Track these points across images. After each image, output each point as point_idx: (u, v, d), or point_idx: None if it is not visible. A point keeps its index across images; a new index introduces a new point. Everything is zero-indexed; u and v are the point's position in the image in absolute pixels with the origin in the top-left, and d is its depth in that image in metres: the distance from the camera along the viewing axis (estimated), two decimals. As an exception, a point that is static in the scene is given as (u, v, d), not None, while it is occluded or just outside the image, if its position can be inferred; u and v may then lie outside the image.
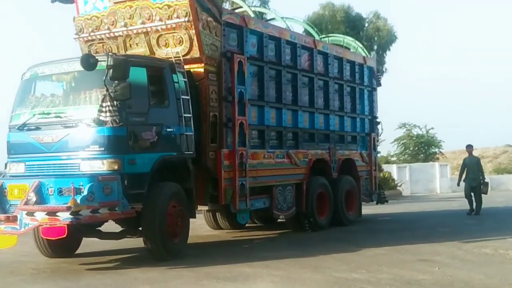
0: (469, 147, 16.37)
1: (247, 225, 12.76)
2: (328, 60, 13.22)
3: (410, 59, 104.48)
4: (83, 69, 8.22)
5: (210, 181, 10.08)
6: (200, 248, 10.47)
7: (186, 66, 9.61)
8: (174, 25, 9.65)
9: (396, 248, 9.85)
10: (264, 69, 11.26)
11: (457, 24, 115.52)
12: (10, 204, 8.33)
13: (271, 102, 11.41)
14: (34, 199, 7.88)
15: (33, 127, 8.72)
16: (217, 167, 9.98)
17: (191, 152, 9.37)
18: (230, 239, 11.75)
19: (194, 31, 9.59)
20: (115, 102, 8.15)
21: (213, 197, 10.15)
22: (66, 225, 7.57)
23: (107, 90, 8.13)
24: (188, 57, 9.74)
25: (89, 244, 10.04)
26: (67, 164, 8.39)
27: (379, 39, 30.31)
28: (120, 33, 10.13)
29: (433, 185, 31.47)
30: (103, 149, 8.21)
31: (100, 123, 8.19)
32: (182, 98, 9.18)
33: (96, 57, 8.32)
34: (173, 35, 9.76)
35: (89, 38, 10.43)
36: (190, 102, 9.34)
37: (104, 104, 8.15)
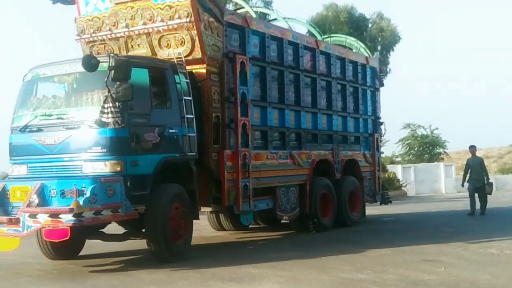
0: (472, 148, 16.30)
1: (250, 226, 12.72)
2: (331, 61, 13.18)
3: (414, 59, 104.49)
4: (84, 70, 8.18)
5: (213, 182, 10.04)
6: (205, 249, 10.47)
7: (188, 67, 9.58)
8: (175, 26, 9.62)
9: (401, 248, 9.81)
10: (267, 69, 11.22)
11: (461, 23, 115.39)
12: (13, 206, 8.27)
13: (273, 102, 11.37)
14: (36, 201, 7.83)
15: (35, 129, 8.69)
16: (220, 168, 9.94)
17: (194, 153, 9.33)
18: (234, 240, 11.71)
19: (196, 31, 9.55)
20: (117, 103, 8.11)
21: (216, 199, 10.12)
22: (69, 227, 7.52)
23: (109, 91, 8.10)
24: (190, 58, 9.70)
25: (93, 245, 10.00)
26: (69, 165, 8.36)
27: (382, 39, 30.33)
28: (122, 34, 10.10)
29: (438, 186, 31.47)
30: (105, 150, 8.17)
31: (102, 124, 8.15)
32: (184, 99, 9.14)
33: (98, 58, 8.29)
34: (175, 36, 9.72)
35: (91, 39, 10.39)
36: (192, 103, 9.30)
37: (106, 105, 8.12)
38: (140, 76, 8.53)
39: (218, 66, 10.07)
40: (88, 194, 7.62)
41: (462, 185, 16.35)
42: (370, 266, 8.24)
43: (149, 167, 8.51)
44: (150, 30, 9.83)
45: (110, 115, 8.11)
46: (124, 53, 10.03)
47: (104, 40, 10.32)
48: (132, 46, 10.15)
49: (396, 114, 61.03)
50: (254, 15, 14.96)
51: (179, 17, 9.55)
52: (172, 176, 8.99)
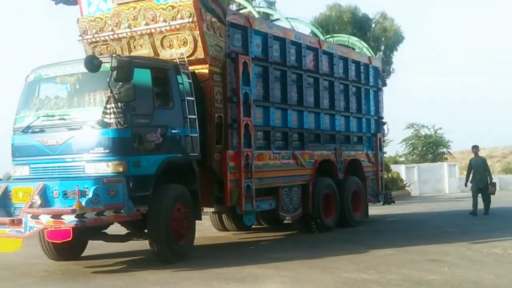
0: (475, 148, 16.25)
1: (253, 226, 12.69)
2: (333, 61, 13.14)
3: (418, 59, 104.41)
4: (87, 70, 8.17)
5: (216, 183, 10.02)
6: (208, 250, 10.47)
7: (190, 67, 9.57)
8: (178, 26, 9.60)
9: (405, 248, 9.80)
10: (269, 69, 11.20)
11: (464, 23, 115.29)
12: (15, 207, 8.26)
13: (276, 103, 11.34)
14: (39, 202, 7.82)
15: (37, 130, 8.68)
16: (222, 168, 9.92)
17: (196, 154, 9.31)
18: (237, 241, 11.70)
19: (198, 32, 9.53)
20: (119, 104, 8.10)
21: (219, 199, 10.10)
22: (71, 228, 7.50)
23: (111, 92, 8.09)
24: (192, 58, 9.68)
25: (97, 246, 10.00)
26: (71, 166, 8.35)
27: (386, 39, 30.29)
28: (124, 35, 10.08)
29: (442, 185, 31.42)
30: (107, 151, 8.16)
31: (105, 125, 8.14)
32: (187, 100, 9.12)
33: (100, 59, 8.27)
34: (177, 36, 9.70)
35: (93, 39, 10.38)
36: (194, 103, 9.28)
37: (108, 106, 8.11)
38: (143, 76, 8.52)
39: (221, 66, 10.05)
40: (90, 195, 7.60)
41: (466, 185, 16.30)
42: (373, 266, 8.23)
43: (152, 168, 8.50)
44: (153, 30, 9.81)
45: (112, 116, 8.10)
46: (126, 53, 10.01)
47: (106, 40, 10.30)
48: (134, 47, 10.13)
49: (400, 114, 61.03)
50: (256, 15, 14.91)
51: (182, 18, 9.53)
52: (175, 176, 8.98)
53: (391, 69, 30.37)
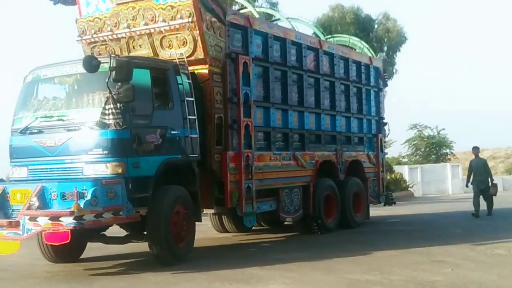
0: (475, 149, 16.14)
1: (253, 228, 12.63)
2: (334, 61, 13.08)
3: (421, 60, 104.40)
4: (85, 71, 8.09)
5: (216, 184, 9.95)
6: (210, 251, 10.42)
7: (190, 68, 9.49)
8: (177, 26, 9.52)
9: (408, 249, 9.76)
10: (270, 70, 11.13)
11: (468, 23, 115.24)
12: (13, 209, 8.19)
13: (276, 103, 11.27)
14: (36, 204, 7.74)
15: (35, 131, 8.60)
16: (222, 169, 9.85)
17: (196, 155, 9.23)
18: (238, 242, 11.64)
19: (198, 32, 9.46)
20: (118, 105, 8.02)
21: (219, 200, 10.02)
22: (69, 230, 7.43)
23: (110, 92, 8.01)
24: (192, 58, 9.60)
25: (98, 248, 9.92)
26: (70, 168, 8.27)
27: (389, 40, 30.25)
28: (123, 35, 10.00)
29: (445, 186, 31.42)
30: (106, 152, 8.08)
31: (104, 126, 8.06)
32: (187, 100, 9.04)
33: (99, 59, 8.20)
34: (177, 36, 9.63)
35: (92, 40, 10.30)
36: (194, 104, 9.20)
37: (107, 107, 8.03)
38: (142, 77, 8.44)
39: (221, 66, 9.98)
40: (89, 197, 7.54)
41: (466, 186, 16.23)
42: (377, 267, 8.20)
43: (151, 169, 8.42)
44: (152, 30, 9.74)
45: (111, 117, 8.02)
46: (125, 54, 9.93)
47: (105, 41, 10.22)
48: (133, 47, 10.06)
49: (403, 115, 61.04)
50: (257, 15, 14.83)
51: (181, 17, 9.46)
52: (174, 178, 8.90)
53: (394, 70, 30.34)
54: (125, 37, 10.03)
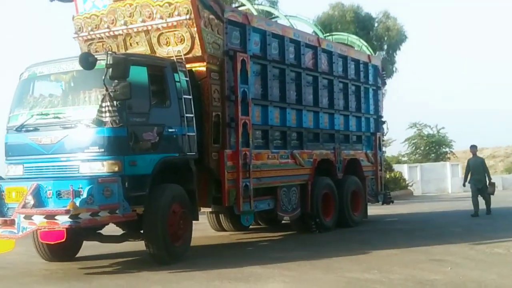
0: (473, 148, 16.07)
1: (251, 226, 12.57)
2: (333, 59, 13.02)
3: (421, 59, 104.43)
4: (82, 68, 8.02)
5: (213, 183, 9.89)
6: (208, 250, 10.39)
7: (187, 65, 9.41)
8: (175, 23, 9.45)
9: (408, 248, 9.74)
10: (268, 67, 11.06)
11: (468, 21, 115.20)
12: (8, 208, 8.14)
13: (275, 101, 11.21)
14: (32, 202, 7.69)
15: (31, 128, 8.53)
16: (220, 168, 9.78)
17: (194, 153, 9.17)
18: (236, 241, 11.59)
19: (195, 29, 9.39)
20: (115, 102, 7.95)
21: (216, 199, 9.97)
22: (65, 229, 7.36)
23: (106, 90, 7.93)
24: (189, 55, 9.54)
25: (95, 246, 9.86)
26: (66, 166, 8.21)
27: (389, 39, 30.26)
28: (120, 32, 9.93)
29: (444, 185, 31.43)
30: (103, 150, 8.01)
31: (100, 123, 7.99)
32: (184, 98, 8.98)
33: (95, 56, 8.13)
34: (174, 33, 9.56)
35: (89, 37, 10.23)
36: (192, 101, 9.14)
37: (103, 104, 7.95)
38: (139, 74, 8.37)
39: (219, 64, 9.91)
40: (85, 195, 7.48)
41: (464, 185, 16.20)
42: (376, 265, 8.18)
43: (148, 167, 8.36)
44: (149, 27, 9.66)
45: (108, 114, 7.94)
46: (122, 51, 9.86)
47: (102, 38, 10.15)
48: (130, 44, 9.98)
49: (403, 114, 61.05)
50: (255, 13, 14.76)
51: (179, 14, 9.39)
52: (171, 176, 8.84)
53: (394, 69, 30.32)
54: (122, 34, 9.96)
